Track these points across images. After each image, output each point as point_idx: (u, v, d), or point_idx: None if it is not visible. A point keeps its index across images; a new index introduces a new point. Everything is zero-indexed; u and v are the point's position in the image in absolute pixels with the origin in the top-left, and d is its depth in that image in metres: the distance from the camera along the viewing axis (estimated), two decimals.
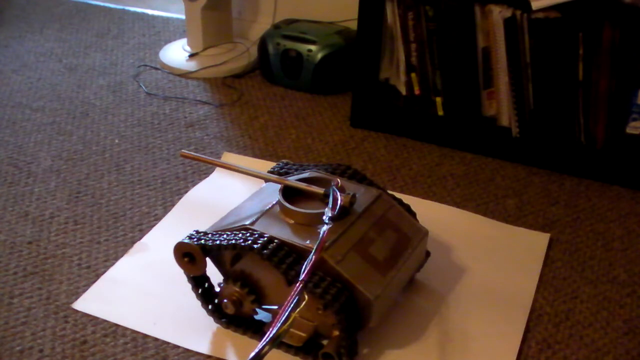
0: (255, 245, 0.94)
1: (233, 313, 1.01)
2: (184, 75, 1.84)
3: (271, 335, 0.77)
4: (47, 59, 1.92)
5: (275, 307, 1.00)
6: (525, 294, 1.14)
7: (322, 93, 1.77)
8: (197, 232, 1.01)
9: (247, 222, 1.00)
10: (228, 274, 1.02)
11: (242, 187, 1.37)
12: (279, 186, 1.06)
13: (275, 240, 0.96)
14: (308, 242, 0.96)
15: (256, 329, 1.03)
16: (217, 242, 0.97)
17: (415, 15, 1.49)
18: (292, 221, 1.00)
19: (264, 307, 1.01)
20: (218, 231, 1.00)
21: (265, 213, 1.02)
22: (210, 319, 1.05)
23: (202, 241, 0.98)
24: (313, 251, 0.90)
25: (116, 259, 1.19)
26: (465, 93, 1.52)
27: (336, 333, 0.96)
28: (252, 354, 0.75)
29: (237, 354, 1.01)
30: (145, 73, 1.86)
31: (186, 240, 0.99)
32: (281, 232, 0.98)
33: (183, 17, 1.99)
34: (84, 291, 1.11)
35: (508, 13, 1.40)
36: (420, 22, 1.49)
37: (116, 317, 1.06)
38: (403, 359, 1.01)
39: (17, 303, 1.09)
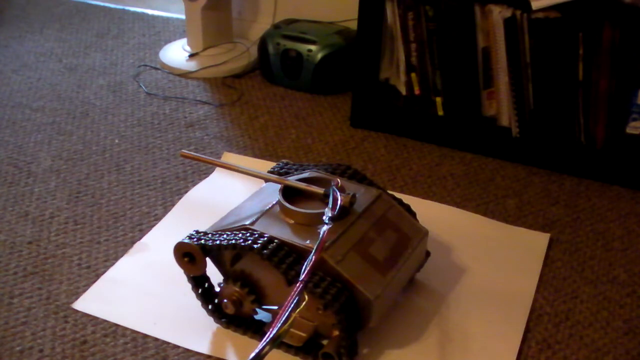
0: (255, 245, 0.94)
1: (233, 313, 1.01)
2: (184, 75, 1.84)
3: (271, 335, 0.77)
4: (47, 59, 1.92)
5: (275, 307, 1.00)
6: (525, 294, 1.13)
7: (322, 93, 1.77)
8: (197, 232, 1.01)
9: (247, 222, 1.00)
10: (228, 274, 1.02)
11: (242, 187, 1.36)
12: (279, 186, 1.06)
13: (275, 240, 0.96)
14: (308, 242, 0.96)
15: (256, 329, 1.03)
16: (217, 242, 0.97)
17: (415, 15, 1.49)
18: (292, 221, 1.00)
19: (264, 307, 1.01)
20: (218, 231, 1.00)
21: (265, 213, 1.02)
22: (210, 319, 1.05)
23: (202, 241, 0.98)
24: (313, 251, 0.90)
25: (116, 259, 1.19)
26: (465, 93, 1.52)
27: (336, 333, 0.96)
28: (253, 354, 0.75)
29: (237, 354, 1.01)
30: (145, 73, 1.86)
31: (186, 240, 0.99)
32: (281, 232, 0.98)
33: (183, 17, 1.99)
34: (84, 291, 1.11)
35: (508, 13, 1.40)
36: (420, 22, 1.49)
37: (116, 317, 1.06)
38: (403, 359, 1.01)
39: (17, 303, 1.09)
